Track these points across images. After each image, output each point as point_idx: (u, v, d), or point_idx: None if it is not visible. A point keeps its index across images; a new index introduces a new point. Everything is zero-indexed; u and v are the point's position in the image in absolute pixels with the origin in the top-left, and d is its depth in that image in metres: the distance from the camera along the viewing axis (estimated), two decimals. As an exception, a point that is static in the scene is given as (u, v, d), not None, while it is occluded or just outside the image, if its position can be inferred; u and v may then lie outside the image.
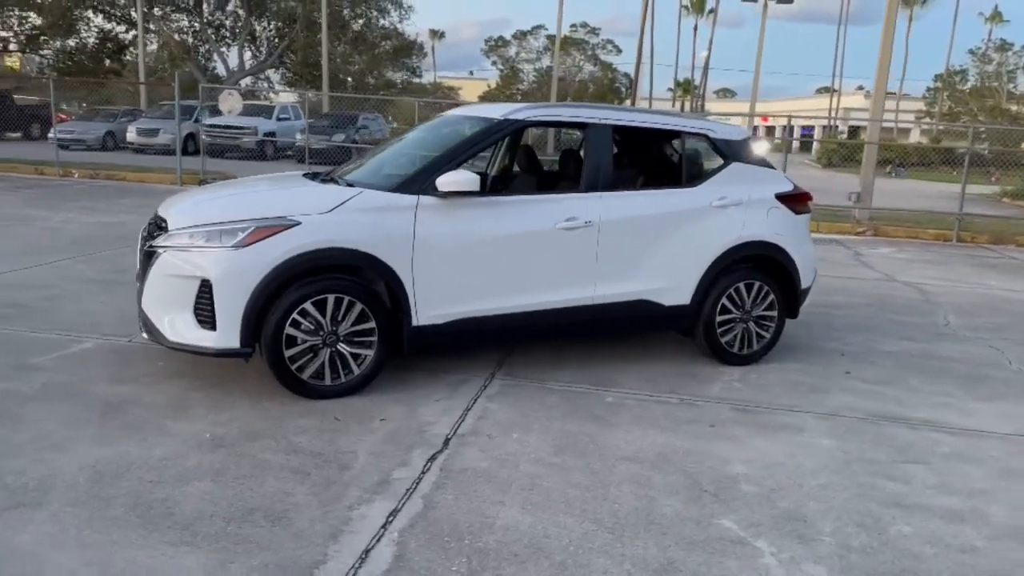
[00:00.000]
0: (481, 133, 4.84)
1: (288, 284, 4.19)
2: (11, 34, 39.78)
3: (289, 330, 4.21)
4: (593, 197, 4.91)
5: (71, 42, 39.56)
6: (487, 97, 65.95)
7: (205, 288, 4.13)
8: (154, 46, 39.88)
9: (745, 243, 5.28)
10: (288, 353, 4.24)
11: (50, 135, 26.31)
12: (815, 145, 47.28)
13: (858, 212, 14.62)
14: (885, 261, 10.91)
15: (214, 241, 4.17)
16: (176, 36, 38.39)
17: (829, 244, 12.38)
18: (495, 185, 6.10)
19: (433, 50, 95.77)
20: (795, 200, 5.55)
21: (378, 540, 2.98)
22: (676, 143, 5.45)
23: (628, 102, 62.11)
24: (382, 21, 38.29)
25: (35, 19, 38.30)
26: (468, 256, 4.56)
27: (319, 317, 4.25)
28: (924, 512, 3.46)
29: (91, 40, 39.75)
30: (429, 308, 4.52)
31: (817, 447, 4.12)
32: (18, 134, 30.30)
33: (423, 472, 3.56)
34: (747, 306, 5.36)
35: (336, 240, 4.25)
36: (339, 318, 4.30)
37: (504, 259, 4.66)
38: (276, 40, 38.90)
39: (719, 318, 5.30)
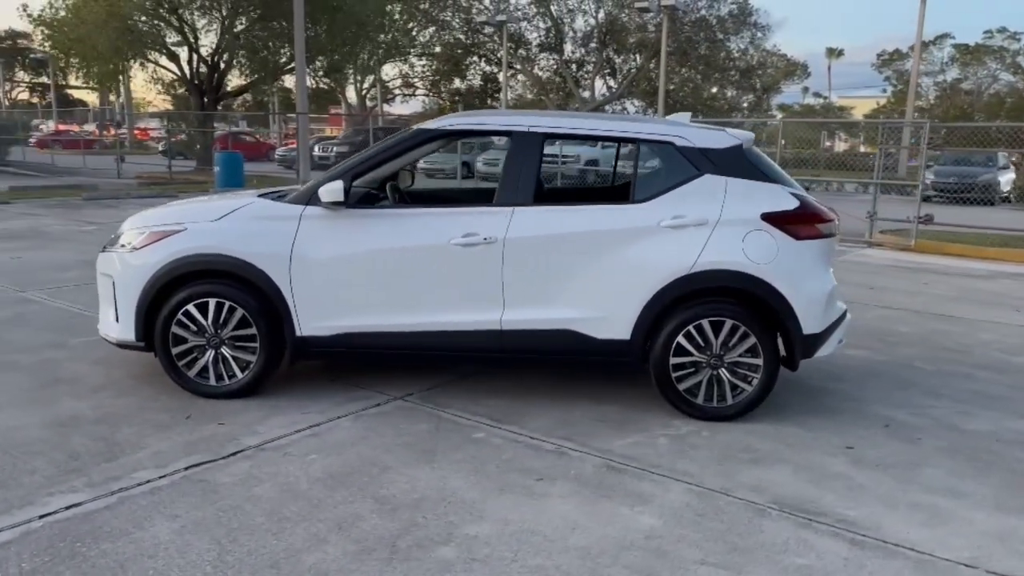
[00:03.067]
0: (392, 144, 4.68)
1: (175, 286, 4.50)
2: (417, 79, 46.85)
3: (175, 329, 4.52)
4: (502, 212, 4.44)
5: (461, 85, 45.25)
6: (872, 114, 60.34)
7: (114, 285, 4.64)
8: (518, 86, 43.73)
9: (705, 272, 4.32)
10: (174, 351, 4.55)
11: (419, 164, 30.50)
12: None
13: None
14: None
15: (123, 243, 4.66)
16: (540, 73, 41.65)
17: None
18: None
19: (829, 69, 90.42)
20: (795, 222, 4.39)
21: (16, 527, 3.12)
22: (638, 152, 4.65)
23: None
24: (732, 44, 37.30)
25: (435, 66, 44.66)
26: (351, 269, 4.45)
27: (201, 319, 4.50)
28: (609, 628, 2.59)
29: (476, 82, 45.02)
30: (312, 319, 4.50)
31: (625, 525, 3.26)
32: (406, 164, 35.52)
33: (163, 477, 3.59)
34: (715, 348, 4.38)
35: (214, 246, 4.46)
36: (221, 322, 4.50)
37: (391, 274, 4.44)
38: (631, 70, 40.12)
39: (674, 360, 4.41)
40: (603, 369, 5.20)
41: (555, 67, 41.21)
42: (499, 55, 39.71)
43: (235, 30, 23.68)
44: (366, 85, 46.81)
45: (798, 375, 5.29)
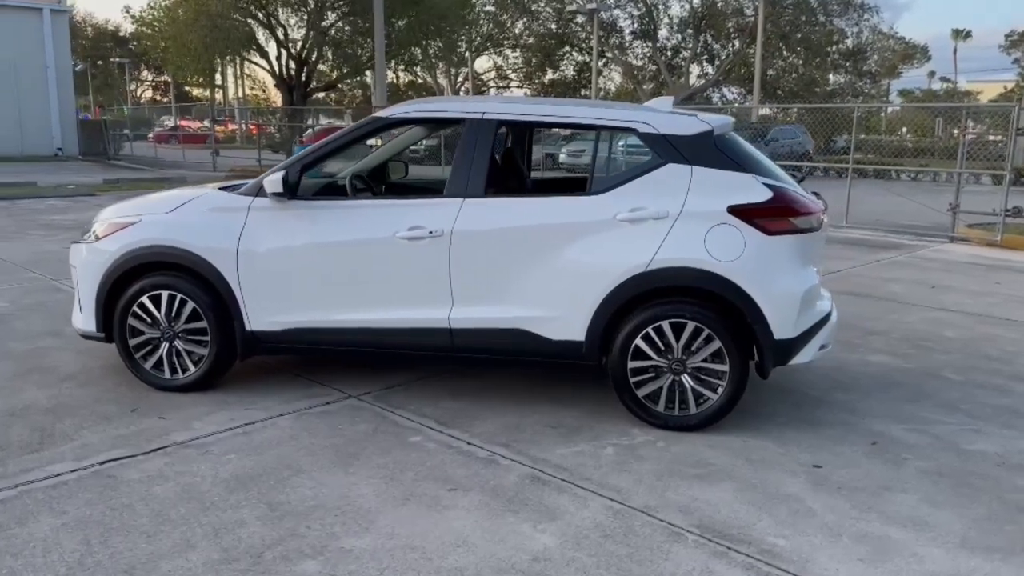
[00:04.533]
0: (346, 132, 4.51)
1: (131, 277, 4.49)
2: (511, 71, 46.81)
3: (131, 320, 4.51)
4: (451, 204, 4.21)
5: (554, 75, 44.91)
6: (999, 99, 56.28)
7: (77, 276, 4.68)
8: (615, 74, 43.02)
9: (662, 270, 3.96)
10: (131, 342, 4.54)
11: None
12: None
13: None
14: None
15: (88, 234, 4.70)
16: (633, 62, 40.82)
17: None
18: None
19: (955, 52, 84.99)
20: (766, 215, 3.96)
21: (-94, 516, 3.14)
22: (597, 140, 4.32)
23: None
24: (839, 26, 35.37)
25: (528, 58, 44.52)
26: (295, 262, 4.32)
27: (154, 311, 4.47)
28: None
29: (569, 72, 44.59)
30: (261, 313, 4.40)
31: (517, 545, 2.99)
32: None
33: (75, 471, 3.55)
34: (676, 353, 4.02)
35: (163, 238, 4.42)
36: (173, 315, 4.46)
37: (335, 269, 4.29)
38: (728, 56, 38.79)
39: (631, 364, 4.08)
40: (579, 372, 4.89)
41: (649, 55, 40.30)
42: (591, 44, 39.15)
43: (322, 25, 24.20)
44: (460, 79, 47.13)
45: (799, 382, 4.87)
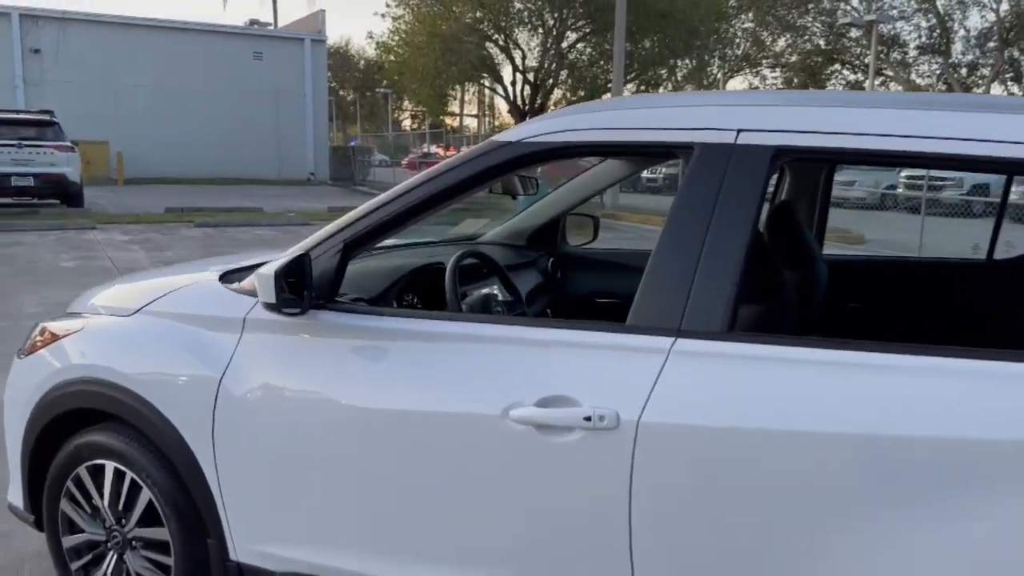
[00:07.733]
0: (431, 178, 2.15)
1: (63, 429, 2.50)
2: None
3: (65, 505, 2.52)
4: (642, 348, 1.74)
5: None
6: None
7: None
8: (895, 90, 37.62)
9: None
10: (66, 542, 2.54)
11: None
12: None
13: None
14: None
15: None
16: (918, 80, 35.43)
17: None
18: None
19: None
20: None
21: None
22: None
23: None
24: None
25: (789, 77, 40.46)
26: (310, 442, 2.07)
27: (95, 496, 2.44)
28: None
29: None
30: (253, 532, 2.20)
31: None
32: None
33: None
34: None
35: (99, 364, 2.36)
36: (120, 505, 2.40)
37: (384, 468, 1.98)
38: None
39: None
40: None
41: (938, 72, 34.70)
42: (866, 61, 34.42)
43: (561, 46, 22.59)
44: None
45: None
